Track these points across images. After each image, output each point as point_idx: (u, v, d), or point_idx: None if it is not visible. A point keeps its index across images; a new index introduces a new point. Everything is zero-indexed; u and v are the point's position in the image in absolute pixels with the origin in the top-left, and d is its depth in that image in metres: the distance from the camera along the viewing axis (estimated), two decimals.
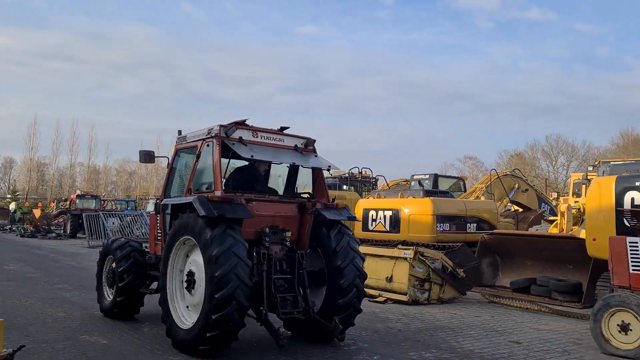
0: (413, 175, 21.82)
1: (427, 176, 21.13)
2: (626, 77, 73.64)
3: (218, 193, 6.48)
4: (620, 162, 13.05)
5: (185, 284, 6.60)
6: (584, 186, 15.48)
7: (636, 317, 6.94)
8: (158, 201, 8.05)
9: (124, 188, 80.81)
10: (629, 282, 7.33)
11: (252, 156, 6.86)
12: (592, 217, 9.71)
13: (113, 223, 26.55)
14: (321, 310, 7.04)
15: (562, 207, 14.38)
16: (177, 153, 7.90)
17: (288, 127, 7.46)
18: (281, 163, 7.47)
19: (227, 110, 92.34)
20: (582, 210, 13.03)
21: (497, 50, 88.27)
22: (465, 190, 21.27)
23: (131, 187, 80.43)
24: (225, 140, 6.85)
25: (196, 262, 6.45)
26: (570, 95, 77.14)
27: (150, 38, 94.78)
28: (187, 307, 6.62)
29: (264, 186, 7.65)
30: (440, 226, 12.86)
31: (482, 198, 17.18)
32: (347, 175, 24.51)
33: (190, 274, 6.53)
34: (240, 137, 6.90)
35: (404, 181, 23.74)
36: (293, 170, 7.99)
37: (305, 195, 7.64)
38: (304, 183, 7.90)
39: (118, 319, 8.26)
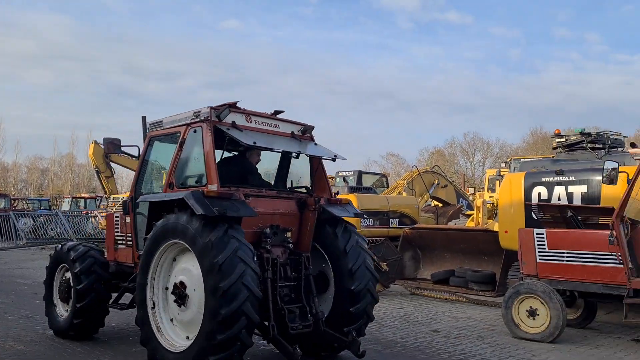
0: (338, 172, 22.19)
1: (352, 173, 21.57)
2: (536, 78, 78.44)
3: (213, 187, 5.49)
4: (529, 159, 13.93)
5: (173, 298, 5.55)
6: (497, 182, 16.36)
7: (543, 303, 7.51)
8: (126, 199, 6.91)
9: (35, 186, 76.28)
10: (536, 271, 7.92)
11: (254, 143, 5.88)
12: (504, 211, 10.37)
13: (25, 223, 25.19)
14: (328, 320, 6.11)
15: (478, 202, 15.19)
16: (151, 142, 6.73)
17: (283, 111, 6.52)
18: (286, 152, 6.66)
19: (147, 104, 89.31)
20: (495, 205, 13.80)
21: (418, 50, 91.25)
22: (387, 187, 21.91)
23: (44, 186, 76.09)
24: (218, 124, 5.83)
25: (187, 270, 5.44)
26: (486, 95, 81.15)
27: (64, 28, 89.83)
28: (176, 325, 5.61)
29: (259, 179, 6.66)
30: (364, 221, 13.21)
31: (404, 194, 17.76)
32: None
33: (180, 286, 5.48)
34: (234, 122, 5.95)
35: (329, 177, 24.08)
36: (285, 161, 7.09)
37: (302, 190, 6.77)
38: (298, 176, 7.04)
39: (75, 340, 7.04)
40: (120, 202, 20.56)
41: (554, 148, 11.67)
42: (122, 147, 7.05)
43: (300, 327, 5.73)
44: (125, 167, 23.90)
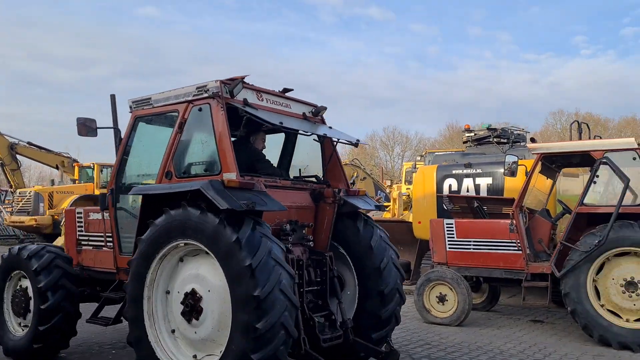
0: None
1: None
2: (452, 75, 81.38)
3: (232, 176, 4.61)
4: (442, 153, 14.61)
5: (181, 311, 4.61)
6: (414, 174, 17.01)
7: (451, 289, 7.96)
8: (105, 192, 5.82)
9: None
10: (445, 259, 8.36)
11: (281, 123, 5.12)
12: (418, 203, 10.85)
13: None
14: (353, 327, 5.40)
15: (394, 194, 15.75)
16: (136, 123, 5.66)
17: (292, 90, 5.73)
18: (310, 134, 5.78)
19: (58, 93, 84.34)
20: (410, 197, 14.36)
21: (340, 44, 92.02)
22: None
23: None
24: (232, 102, 4.95)
25: (200, 277, 4.57)
26: (405, 90, 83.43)
27: None
28: (184, 344, 4.68)
29: (270, 167, 5.75)
30: None
31: None
32: None
33: (191, 297, 4.56)
34: (245, 99, 5.10)
35: None
36: (288, 147, 6.28)
37: (312, 179, 5.94)
38: (304, 163, 6.24)
39: None
40: (28, 195, 19.56)
41: (464, 142, 12.30)
42: (97, 129, 5.86)
43: (331, 339, 5.05)
44: (32, 159, 22.62)
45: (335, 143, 5.88)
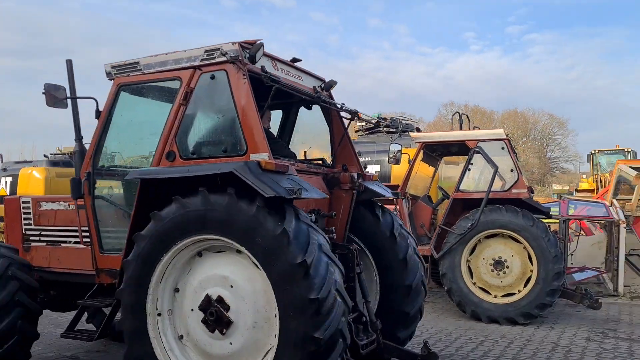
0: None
1: None
2: (352, 64, 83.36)
3: (265, 157, 3.85)
4: None
5: (202, 322, 3.86)
6: None
7: None
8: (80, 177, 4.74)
9: None
10: None
11: (318, 96, 4.80)
12: None
13: None
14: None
15: None
16: (120, 92, 4.66)
17: (300, 60, 5.01)
18: (343, 110, 5.16)
19: None
20: None
21: (241, 30, 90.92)
22: None
23: None
24: (254, 69, 4.17)
25: (224, 280, 3.85)
26: None
27: None
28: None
29: (285, 149, 5.04)
30: None
31: None
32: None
33: (215, 304, 3.81)
34: (263, 67, 4.31)
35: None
36: (288, 125, 5.57)
37: (318, 162, 5.27)
38: (305, 144, 5.59)
39: None
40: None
41: (356, 131, 12.71)
42: (67, 100, 4.78)
43: (367, 344, 4.45)
44: None
45: (347, 125, 5.30)
